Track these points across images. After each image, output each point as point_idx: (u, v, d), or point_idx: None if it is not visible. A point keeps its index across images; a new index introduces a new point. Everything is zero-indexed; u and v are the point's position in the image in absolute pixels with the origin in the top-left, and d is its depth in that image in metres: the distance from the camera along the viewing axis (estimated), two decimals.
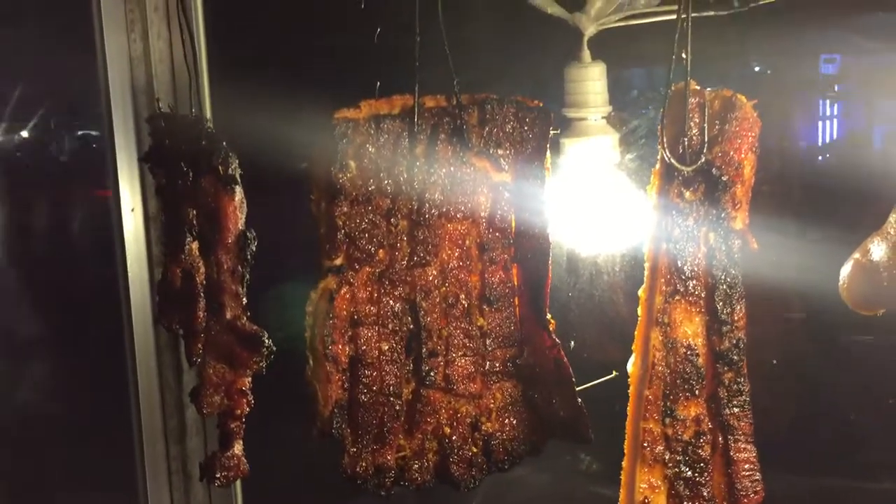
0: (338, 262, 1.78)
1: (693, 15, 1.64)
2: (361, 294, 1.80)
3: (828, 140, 3.08)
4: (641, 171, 2.29)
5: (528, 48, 2.74)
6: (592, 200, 2.14)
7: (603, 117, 2.12)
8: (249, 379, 1.90)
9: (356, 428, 1.81)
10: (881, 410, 2.72)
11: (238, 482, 2.69)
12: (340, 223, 1.77)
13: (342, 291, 1.78)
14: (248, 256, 1.87)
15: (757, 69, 3.02)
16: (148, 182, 2.68)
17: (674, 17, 1.66)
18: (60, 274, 3.21)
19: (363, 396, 1.80)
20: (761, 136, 1.72)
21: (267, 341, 1.87)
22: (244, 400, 1.90)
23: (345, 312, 1.79)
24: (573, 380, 1.86)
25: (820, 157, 3.12)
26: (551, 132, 1.88)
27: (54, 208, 3.25)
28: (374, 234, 1.78)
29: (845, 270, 1.62)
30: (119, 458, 2.93)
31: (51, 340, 3.18)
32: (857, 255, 1.60)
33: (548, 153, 1.88)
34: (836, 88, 3.01)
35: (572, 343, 2.42)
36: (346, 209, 1.77)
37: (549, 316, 1.87)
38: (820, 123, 3.10)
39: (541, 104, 1.87)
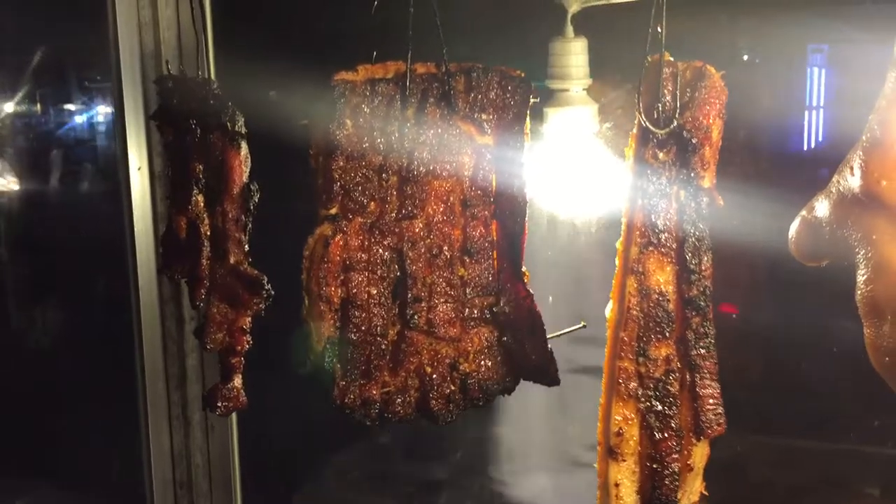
0: (333, 211, 1.93)
1: None
2: (354, 242, 1.94)
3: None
4: (618, 139, 2.44)
5: (516, 23, 2.89)
6: (572, 166, 2.29)
7: (584, 89, 2.27)
8: (250, 319, 2.06)
9: (346, 363, 1.96)
10: (829, 361, 2.85)
11: (234, 425, 2.86)
12: (336, 176, 1.91)
13: (336, 238, 1.93)
14: (251, 207, 2.02)
15: (745, 57, 3.14)
16: (154, 143, 2.84)
17: None
18: (71, 230, 3.37)
19: (353, 335, 1.95)
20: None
21: (267, 285, 2.02)
22: (244, 338, 2.06)
23: (338, 258, 1.94)
24: (544, 328, 2.01)
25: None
26: (531, 100, 2.01)
27: (65, 168, 3.40)
28: (366, 187, 1.93)
29: (793, 226, 1.73)
30: (123, 402, 3.09)
31: (64, 293, 3.34)
32: (803, 213, 1.72)
33: (527, 119, 2.01)
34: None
35: (550, 298, 2.58)
36: (342, 163, 1.92)
37: (524, 269, 2.02)
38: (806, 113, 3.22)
39: (523, 74, 2.00)
